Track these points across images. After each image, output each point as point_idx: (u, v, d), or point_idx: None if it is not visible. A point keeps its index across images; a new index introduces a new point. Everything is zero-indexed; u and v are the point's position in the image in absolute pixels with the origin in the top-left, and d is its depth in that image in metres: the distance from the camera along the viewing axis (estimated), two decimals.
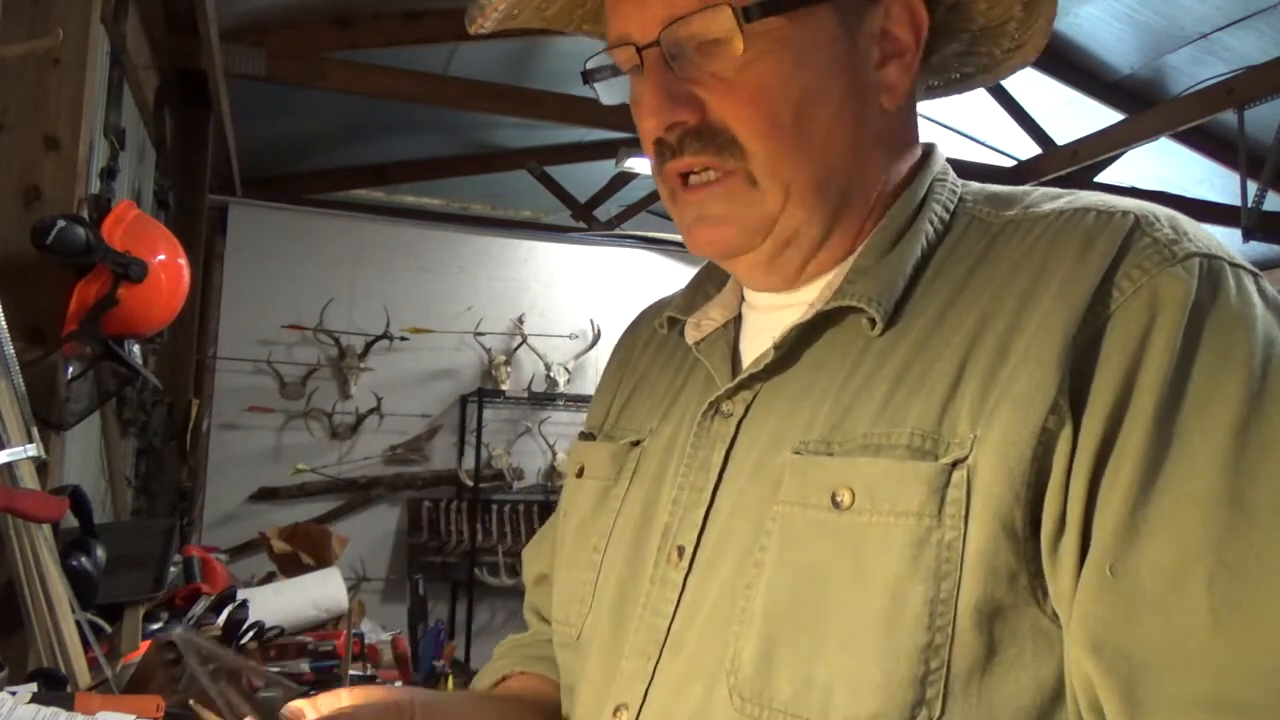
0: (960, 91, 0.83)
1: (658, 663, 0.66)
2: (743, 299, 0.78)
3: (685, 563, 0.67)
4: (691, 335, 0.77)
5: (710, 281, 0.81)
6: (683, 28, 0.64)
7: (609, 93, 0.74)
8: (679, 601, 0.67)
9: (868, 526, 0.58)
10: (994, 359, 0.58)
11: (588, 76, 0.73)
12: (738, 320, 0.77)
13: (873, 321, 0.64)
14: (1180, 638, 0.51)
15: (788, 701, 0.58)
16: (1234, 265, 0.59)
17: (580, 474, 0.82)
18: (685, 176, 0.68)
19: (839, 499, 0.60)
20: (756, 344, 0.72)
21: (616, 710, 0.67)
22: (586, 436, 0.85)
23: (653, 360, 0.84)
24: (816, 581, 0.59)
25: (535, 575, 0.90)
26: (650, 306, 0.91)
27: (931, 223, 0.68)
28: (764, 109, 0.64)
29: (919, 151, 0.73)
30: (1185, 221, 0.61)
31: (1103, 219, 0.61)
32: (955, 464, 0.56)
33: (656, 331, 0.83)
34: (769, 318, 0.73)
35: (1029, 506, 0.55)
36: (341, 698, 0.66)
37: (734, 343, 0.75)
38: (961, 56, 0.77)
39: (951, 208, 0.69)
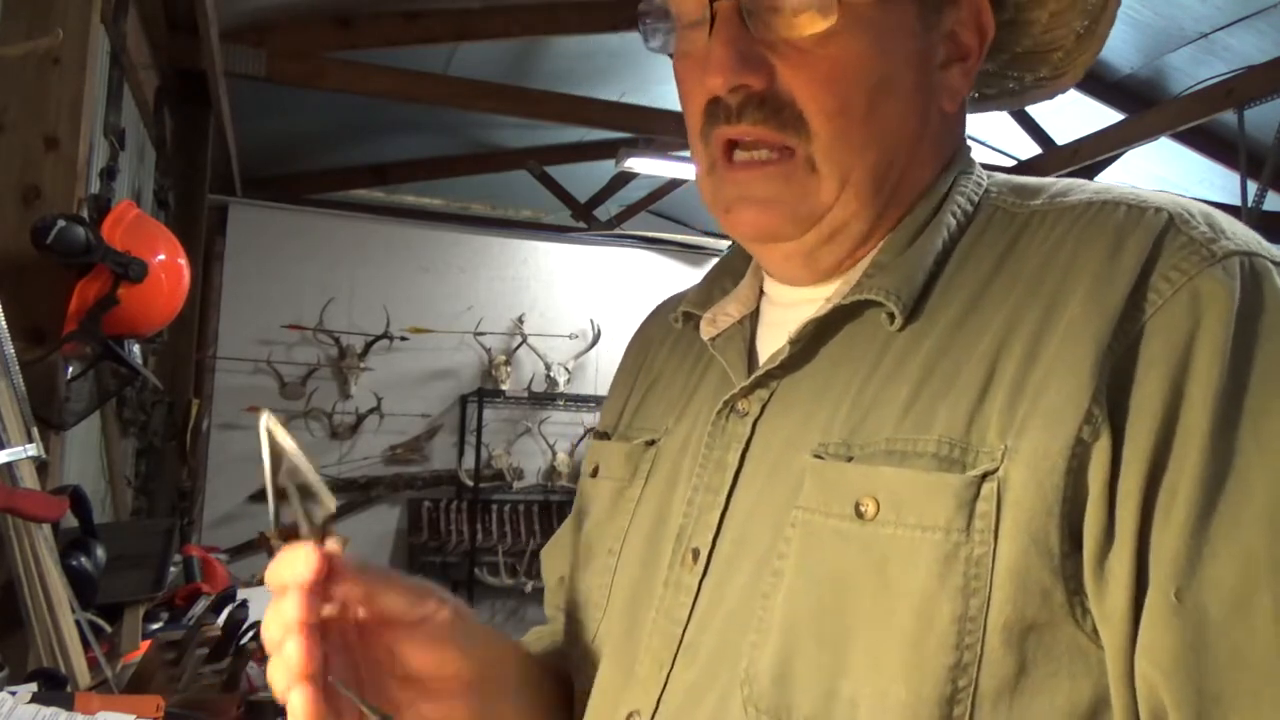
0: (974, 112, 0.80)
1: (671, 669, 0.65)
2: (761, 293, 0.75)
3: (700, 566, 0.65)
4: (707, 331, 0.74)
5: (727, 275, 0.78)
6: None
7: (656, 39, 0.70)
8: (693, 606, 0.65)
9: (893, 539, 0.56)
10: (1023, 365, 0.56)
11: (640, 17, 0.69)
12: (754, 316, 0.74)
13: (892, 316, 0.62)
14: (1247, 666, 0.49)
15: (808, 716, 0.57)
16: (1277, 263, 0.56)
17: (595, 474, 0.80)
18: (731, 148, 0.65)
19: (863, 509, 0.57)
20: (773, 340, 0.69)
21: (629, 716, 0.66)
22: (601, 435, 0.83)
23: (668, 357, 0.82)
24: (839, 594, 0.57)
25: (557, 578, 0.87)
26: (666, 301, 0.88)
27: (954, 215, 0.66)
28: (837, 89, 0.62)
29: (954, 150, 0.71)
30: (1221, 217, 0.59)
31: (1134, 215, 0.59)
32: (985, 476, 0.54)
33: (672, 327, 0.80)
34: (787, 313, 0.70)
35: (1064, 521, 0.53)
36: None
37: (750, 339, 0.72)
38: (988, 77, 0.75)
39: (976, 200, 0.67)
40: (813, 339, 0.66)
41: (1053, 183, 0.66)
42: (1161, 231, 0.57)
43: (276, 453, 0.59)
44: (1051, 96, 0.76)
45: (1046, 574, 0.53)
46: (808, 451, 0.62)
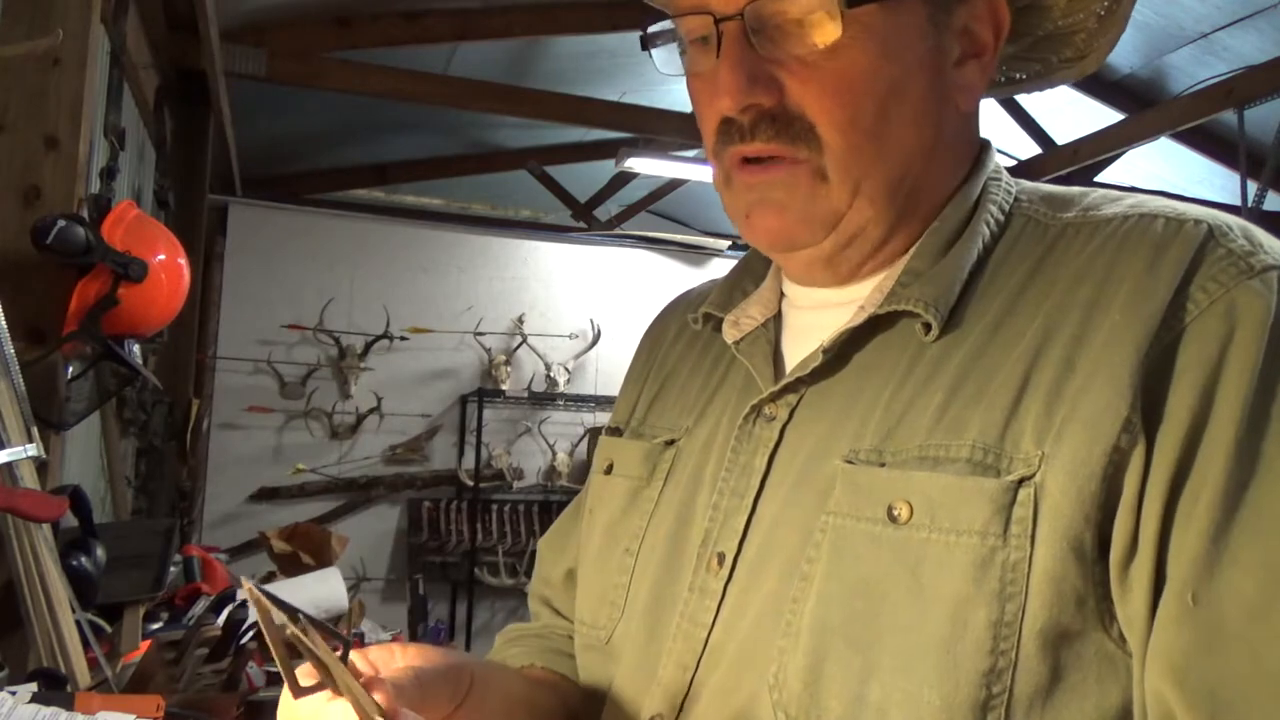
0: (1002, 94, 0.80)
1: (695, 673, 0.64)
2: (782, 295, 0.75)
3: (726, 571, 0.65)
4: (730, 334, 0.74)
5: (747, 277, 0.78)
6: (772, 4, 0.61)
7: (667, 61, 0.69)
8: (718, 611, 0.65)
9: (927, 543, 0.56)
10: (1059, 372, 0.56)
11: (647, 41, 0.69)
12: (777, 318, 0.74)
13: (927, 326, 0.62)
14: (1266, 673, 0.49)
15: None
16: None
17: (609, 471, 0.79)
18: (745, 162, 0.65)
19: (896, 513, 0.57)
20: (800, 345, 0.69)
21: (651, 719, 0.65)
22: (614, 432, 0.82)
23: (683, 356, 0.81)
24: (870, 598, 0.57)
25: (564, 571, 0.86)
26: (679, 298, 0.88)
27: (987, 224, 0.65)
28: (847, 100, 0.61)
29: (977, 150, 0.70)
30: (1259, 232, 0.59)
31: (1172, 227, 0.59)
32: (1021, 482, 0.54)
33: (688, 325, 0.80)
34: (812, 317, 0.70)
35: (1098, 527, 0.53)
36: (395, 653, 0.62)
37: (775, 343, 0.72)
38: (1013, 60, 0.75)
39: (1007, 208, 0.67)
40: (844, 346, 0.65)
41: (1084, 194, 0.66)
42: (1201, 243, 0.57)
43: (269, 617, 0.53)
44: (1081, 76, 0.76)
45: (1081, 580, 0.53)
46: (838, 457, 0.62)
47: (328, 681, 0.54)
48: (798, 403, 0.67)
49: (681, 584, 0.68)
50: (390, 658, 0.62)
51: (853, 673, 0.57)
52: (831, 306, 0.69)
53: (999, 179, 0.69)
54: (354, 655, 0.59)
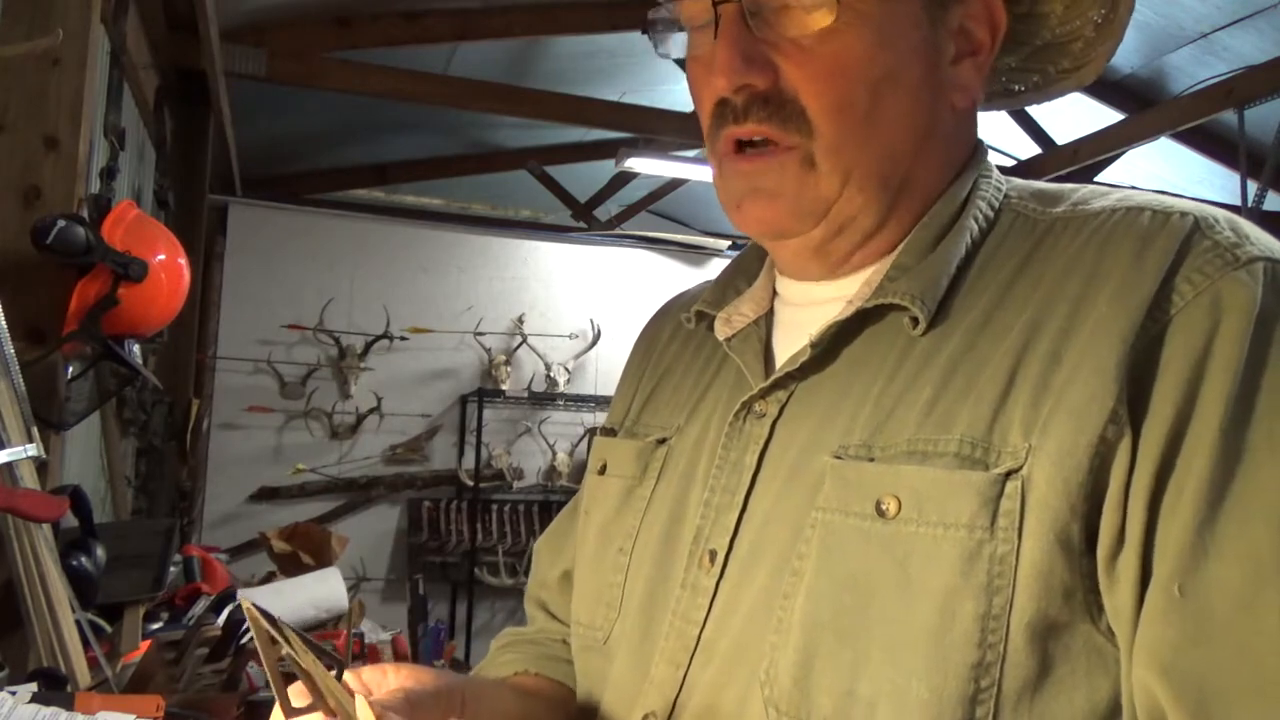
0: (1002, 108, 0.81)
1: (687, 670, 0.65)
2: (775, 294, 0.75)
3: (717, 568, 0.65)
4: (722, 331, 0.74)
5: (740, 276, 0.78)
6: None
7: (667, 46, 0.70)
8: (710, 608, 0.65)
9: (915, 537, 0.56)
10: (1047, 365, 0.56)
11: (648, 26, 0.70)
12: (769, 316, 0.74)
13: (915, 320, 0.62)
14: (1253, 664, 0.49)
15: (828, 716, 0.57)
16: None
17: (603, 471, 0.80)
18: (739, 147, 0.65)
19: (884, 507, 0.58)
20: (791, 341, 0.69)
21: (645, 718, 0.65)
22: (608, 432, 0.83)
23: (678, 355, 0.82)
24: (859, 593, 0.57)
25: (560, 573, 0.86)
26: (674, 299, 0.88)
27: (976, 219, 0.66)
28: (840, 84, 0.62)
29: (971, 151, 0.71)
30: (1245, 224, 0.59)
31: (1159, 219, 0.59)
32: (1009, 475, 0.54)
33: (682, 325, 0.80)
34: (803, 313, 0.71)
35: (1085, 520, 0.53)
36: (388, 674, 0.63)
37: (766, 339, 0.72)
38: (1013, 72, 0.75)
39: (996, 204, 0.67)
40: (833, 341, 0.66)
41: (1074, 189, 0.67)
42: (1187, 235, 0.57)
43: (266, 637, 0.53)
44: (1079, 87, 0.76)
45: (1068, 573, 0.53)
46: (827, 453, 0.62)
47: (319, 703, 0.54)
48: (788, 399, 0.67)
49: (674, 581, 0.68)
50: (382, 679, 0.62)
51: (843, 667, 0.57)
52: (823, 302, 0.69)
53: (989, 176, 0.69)
54: (346, 676, 0.59)
